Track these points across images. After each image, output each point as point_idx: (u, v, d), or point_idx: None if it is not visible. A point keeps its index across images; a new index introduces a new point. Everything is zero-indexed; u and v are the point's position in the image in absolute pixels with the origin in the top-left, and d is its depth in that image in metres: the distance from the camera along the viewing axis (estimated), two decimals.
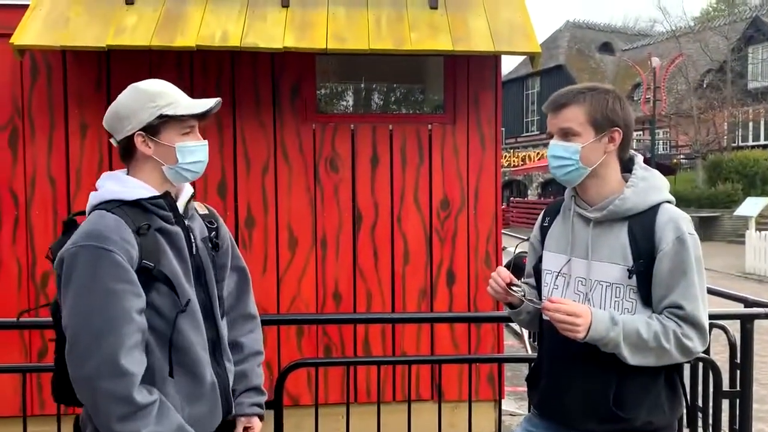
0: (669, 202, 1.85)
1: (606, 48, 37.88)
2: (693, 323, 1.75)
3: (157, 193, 1.68)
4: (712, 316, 3.30)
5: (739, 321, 3.00)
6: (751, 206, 14.67)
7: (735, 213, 16.40)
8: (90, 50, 3.73)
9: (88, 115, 4.02)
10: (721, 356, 3.28)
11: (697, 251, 1.78)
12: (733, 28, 29.24)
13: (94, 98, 4.02)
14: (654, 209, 1.81)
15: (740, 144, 28.12)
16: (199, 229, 1.79)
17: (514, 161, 34.24)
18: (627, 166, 1.90)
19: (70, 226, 1.70)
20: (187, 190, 1.80)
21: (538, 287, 2.03)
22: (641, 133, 33.39)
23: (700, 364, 3.34)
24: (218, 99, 1.76)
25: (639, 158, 1.93)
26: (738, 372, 3.05)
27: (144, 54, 3.91)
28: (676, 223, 1.78)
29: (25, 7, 3.79)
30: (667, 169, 25.91)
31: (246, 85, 4.10)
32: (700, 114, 26.22)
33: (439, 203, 4.21)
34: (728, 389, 3.07)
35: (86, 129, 4.02)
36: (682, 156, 30.69)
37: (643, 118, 29.56)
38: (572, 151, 1.81)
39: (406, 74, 4.96)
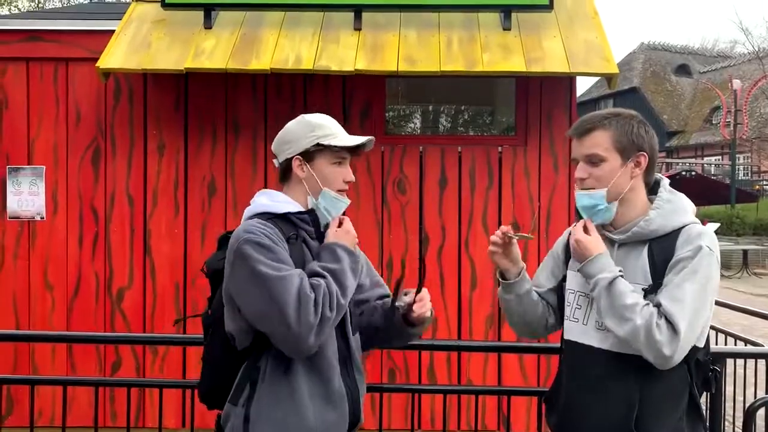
0: (694, 223, 1.81)
1: (683, 70, 36.70)
2: (668, 320, 1.68)
3: (303, 209, 1.84)
4: None
5: None
6: None
7: None
8: (169, 73, 3.86)
9: (165, 135, 4.15)
10: None
11: (708, 268, 1.72)
12: None
13: (172, 119, 4.15)
14: (677, 231, 1.79)
15: None
16: None
17: None
18: (653, 189, 1.89)
19: (222, 243, 1.87)
20: None
21: (560, 305, 2.03)
22: (720, 158, 32.04)
23: None
24: (371, 137, 1.89)
25: (665, 181, 1.91)
26: None
27: (220, 76, 4.02)
28: (698, 237, 1.75)
29: (111, 32, 3.98)
30: (748, 195, 24.67)
31: (318, 106, 4.14)
32: None
33: (509, 227, 4.10)
34: None
35: (164, 149, 4.15)
36: (765, 182, 29.21)
37: (723, 142, 28.39)
38: (598, 197, 1.83)
39: (475, 96, 4.91)
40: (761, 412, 2.87)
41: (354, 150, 1.89)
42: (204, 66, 3.75)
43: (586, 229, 1.85)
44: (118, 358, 4.10)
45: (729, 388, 4.01)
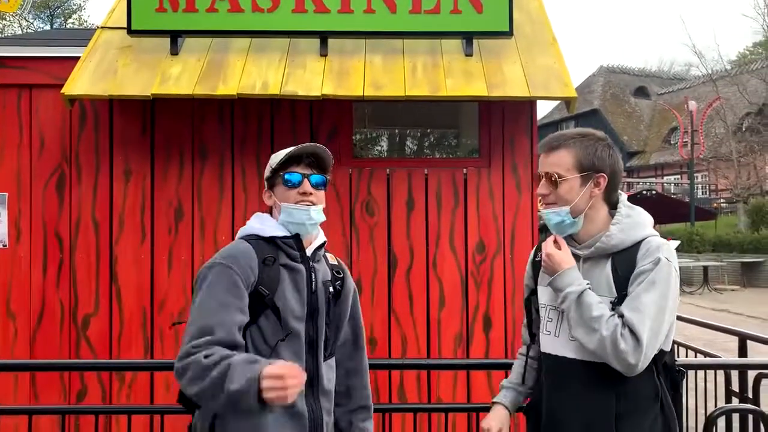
0: (653, 236, 1.92)
1: (641, 92, 37.83)
2: (631, 330, 1.78)
3: (288, 234, 1.94)
4: (761, 366, 3.21)
5: None
6: None
7: None
8: (136, 99, 3.87)
9: (132, 161, 4.14)
10: None
11: (667, 278, 1.83)
12: None
13: (138, 144, 4.15)
14: (637, 244, 1.90)
15: None
16: (322, 273, 1.99)
17: None
18: (614, 204, 2.00)
19: None
20: (320, 238, 2.02)
21: (529, 320, 2.14)
22: (679, 177, 32.93)
23: (750, 416, 3.20)
24: (308, 144, 1.98)
25: (623, 197, 2.01)
26: None
27: (187, 102, 4.04)
28: (656, 250, 1.86)
29: (77, 58, 3.98)
30: (706, 213, 25.39)
31: (285, 131, 4.19)
32: (740, 157, 25.78)
33: (475, 247, 4.19)
34: None
35: (130, 174, 4.14)
36: (722, 200, 30.09)
37: (681, 162, 29.21)
38: (564, 213, 1.93)
39: (441, 119, 5.01)
40: (722, 424, 2.96)
41: (310, 162, 1.97)
42: (171, 92, 3.77)
43: (556, 243, 1.95)
44: (83, 386, 4.03)
45: (691, 402, 4.12)
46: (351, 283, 2.09)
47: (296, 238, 1.94)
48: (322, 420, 1.90)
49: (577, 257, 1.95)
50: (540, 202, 2.00)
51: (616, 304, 1.84)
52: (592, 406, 1.87)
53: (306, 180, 1.94)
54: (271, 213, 2.03)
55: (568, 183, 1.91)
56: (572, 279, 1.88)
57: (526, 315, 2.18)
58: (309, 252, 1.97)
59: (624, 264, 1.88)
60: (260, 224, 1.97)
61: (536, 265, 2.10)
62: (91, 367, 3.57)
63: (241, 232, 1.99)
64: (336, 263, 2.09)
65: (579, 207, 1.92)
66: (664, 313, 1.82)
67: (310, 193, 1.93)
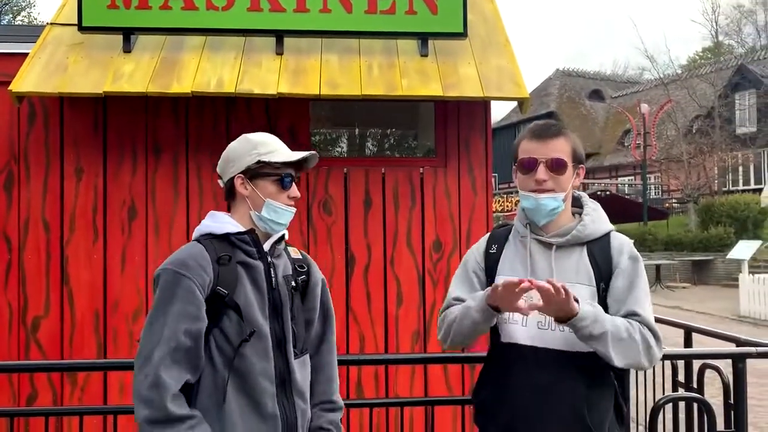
0: (614, 230, 2.07)
1: (596, 95, 38.65)
2: (649, 327, 1.90)
3: (243, 229, 1.88)
4: (704, 356, 3.33)
5: (731, 361, 3.00)
6: (743, 249, 14.77)
7: (728, 256, 16.49)
8: (88, 96, 3.80)
9: (83, 160, 4.06)
10: (717, 399, 3.26)
11: (643, 270, 1.98)
12: (720, 76, 29.93)
13: (90, 143, 4.07)
14: (607, 236, 2.02)
15: (731, 188, 28.45)
16: (283, 267, 1.95)
17: (507, 206, 34.48)
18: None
19: None
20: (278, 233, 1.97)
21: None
22: (632, 178, 33.77)
23: (695, 405, 3.32)
24: (313, 152, 1.97)
25: (582, 193, 2.13)
26: (732, 413, 3.04)
27: (140, 100, 3.99)
28: (628, 245, 2.02)
29: (25, 55, 3.89)
30: (659, 213, 26.09)
31: (241, 131, 4.14)
32: (690, 159, 26.58)
33: (432, 245, 4.24)
34: (723, 430, 3.04)
35: (81, 173, 4.06)
36: (674, 200, 30.97)
37: (634, 163, 29.94)
38: (560, 200, 1.98)
39: (398, 119, 5.06)
40: (670, 416, 3.07)
41: (297, 166, 1.96)
42: (123, 89, 3.72)
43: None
44: (33, 390, 3.93)
45: (640, 392, 4.25)
46: (317, 275, 2.06)
47: (251, 233, 1.89)
48: (297, 422, 1.85)
49: (547, 246, 2.00)
50: (531, 187, 1.98)
51: (603, 291, 1.93)
52: (564, 395, 1.91)
53: (293, 184, 1.95)
54: (231, 205, 1.96)
55: (569, 171, 1.98)
56: (594, 313, 1.85)
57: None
58: (266, 247, 1.92)
59: (600, 254, 1.97)
60: (214, 222, 1.91)
61: (491, 256, 2.11)
62: (41, 368, 3.48)
63: (197, 232, 1.94)
64: (300, 257, 2.06)
65: (568, 196, 2.01)
66: (650, 300, 1.99)
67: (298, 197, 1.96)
